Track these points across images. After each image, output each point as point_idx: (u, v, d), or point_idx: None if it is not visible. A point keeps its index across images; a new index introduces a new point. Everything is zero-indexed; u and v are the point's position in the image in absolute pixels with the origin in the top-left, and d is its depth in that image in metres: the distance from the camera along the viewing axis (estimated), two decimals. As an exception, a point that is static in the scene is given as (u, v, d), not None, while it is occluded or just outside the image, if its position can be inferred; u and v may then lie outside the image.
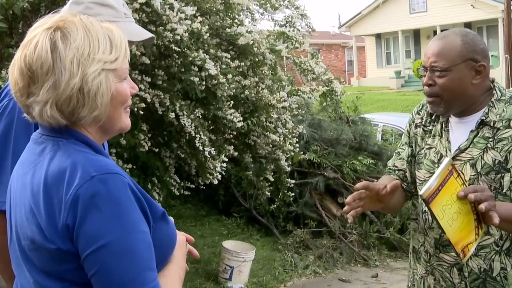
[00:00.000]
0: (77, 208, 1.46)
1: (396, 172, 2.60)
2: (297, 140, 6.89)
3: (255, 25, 6.29)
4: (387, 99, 24.63)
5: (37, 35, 1.55)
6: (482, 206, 2.02)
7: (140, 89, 4.77)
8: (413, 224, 2.59)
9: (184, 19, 4.58)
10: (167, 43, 4.71)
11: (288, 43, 6.34)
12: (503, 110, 2.31)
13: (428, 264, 2.48)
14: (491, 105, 2.34)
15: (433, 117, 2.51)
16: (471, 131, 2.34)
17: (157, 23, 4.59)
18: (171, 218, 1.74)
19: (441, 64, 2.30)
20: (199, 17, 4.80)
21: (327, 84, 7.03)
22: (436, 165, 2.40)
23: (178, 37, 4.57)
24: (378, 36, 37.42)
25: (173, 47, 4.71)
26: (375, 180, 7.79)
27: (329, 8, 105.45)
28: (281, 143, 6.43)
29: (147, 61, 4.78)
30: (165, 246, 1.68)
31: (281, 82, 6.51)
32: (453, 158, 2.31)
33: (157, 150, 5.65)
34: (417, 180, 2.52)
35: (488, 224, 2.13)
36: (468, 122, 2.37)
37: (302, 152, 7.48)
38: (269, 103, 5.83)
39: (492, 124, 2.30)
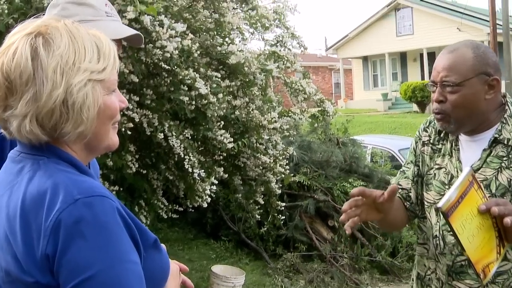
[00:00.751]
0: (58, 236, 1.30)
1: (400, 191, 2.44)
2: (287, 162, 6.78)
3: (245, 45, 6.19)
4: (374, 121, 24.62)
5: (16, 41, 1.39)
6: (508, 220, 1.87)
7: (128, 109, 4.62)
8: (420, 249, 2.42)
9: (174, 36, 4.44)
10: (156, 61, 4.57)
11: (279, 63, 6.22)
12: None
13: None
14: (504, 121, 2.20)
15: (442, 135, 2.35)
16: (484, 150, 2.19)
17: (146, 40, 4.45)
18: (163, 246, 1.57)
19: (453, 79, 2.15)
20: (190, 34, 4.67)
21: (318, 104, 6.91)
22: (446, 186, 2.25)
23: (168, 55, 4.43)
24: (365, 59, 37.57)
25: (163, 65, 4.56)
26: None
27: (316, 31, 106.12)
28: (272, 165, 6.30)
29: (135, 80, 4.62)
30: (158, 277, 1.52)
31: (271, 103, 6.40)
32: None
33: (144, 171, 5.49)
34: (426, 203, 2.36)
35: (511, 243, 1.98)
36: (480, 140, 2.22)
37: (292, 174, 7.36)
38: (260, 124, 5.69)
39: (506, 142, 2.16)
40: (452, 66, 2.17)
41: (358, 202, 2.09)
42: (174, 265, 1.67)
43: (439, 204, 1.85)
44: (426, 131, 2.44)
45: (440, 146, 2.35)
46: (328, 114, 7.08)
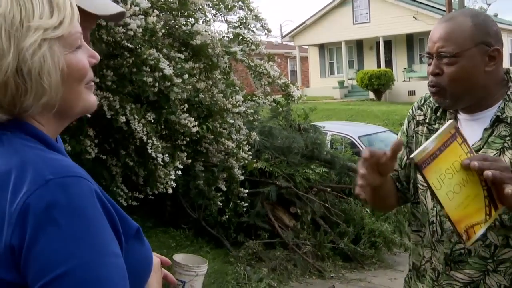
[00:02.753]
0: (26, 224, 1.08)
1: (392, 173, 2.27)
2: (249, 148, 6.64)
3: (208, 26, 5.99)
4: (331, 109, 24.64)
5: None
6: (489, 173, 1.71)
7: (87, 91, 4.41)
8: (414, 236, 2.26)
9: (138, 14, 4.23)
10: (118, 39, 4.35)
11: (243, 45, 6.05)
12: None
13: (436, 284, 2.13)
14: (508, 99, 2.04)
15: (439, 114, 2.19)
16: (485, 129, 2.03)
17: (108, 16, 4.24)
18: None
19: (450, 49, 1.98)
20: (155, 11, 4.46)
21: (283, 88, 6.76)
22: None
23: (131, 33, 4.22)
24: (321, 47, 37.65)
25: (125, 44, 4.34)
26: (329, 190, 7.63)
27: (271, 18, 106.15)
28: (235, 150, 6.15)
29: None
30: (140, 271, 1.31)
31: (234, 87, 6.23)
32: None
33: (104, 157, 5.27)
34: (420, 186, 2.19)
35: (506, 204, 1.80)
36: (481, 119, 2.06)
37: (254, 160, 7.22)
38: (225, 107, 5.53)
39: (509, 121, 2.00)
40: (449, 35, 2.01)
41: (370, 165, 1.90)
42: (156, 258, 1.49)
43: (412, 155, 1.70)
44: (421, 110, 2.27)
45: (437, 125, 2.18)
46: (293, 99, 6.94)
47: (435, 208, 2.12)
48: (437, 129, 2.14)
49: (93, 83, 1.32)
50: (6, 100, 1.17)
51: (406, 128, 2.31)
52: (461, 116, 2.13)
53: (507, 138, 2.00)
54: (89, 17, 1.69)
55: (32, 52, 1.15)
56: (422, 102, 2.30)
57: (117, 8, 1.88)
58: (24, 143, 1.19)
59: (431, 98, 2.22)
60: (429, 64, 2.07)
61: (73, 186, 1.12)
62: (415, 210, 2.26)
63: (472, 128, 2.07)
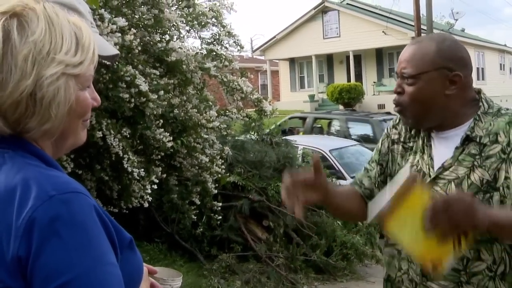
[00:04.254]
0: (32, 236, 1.17)
1: (362, 189, 2.40)
2: (222, 162, 6.72)
3: (182, 42, 6.08)
4: (302, 123, 24.70)
5: None
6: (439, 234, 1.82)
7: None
8: (389, 250, 2.32)
9: (115, 31, 4.31)
10: (95, 56, 4.42)
11: (216, 61, 6.15)
12: (490, 124, 2.10)
13: None
14: (477, 118, 2.13)
15: (413, 132, 2.29)
16: (456, 148, 2.12)
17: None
18: None
19: (410, 71, 2.11)
20: (132, 29, 4.54)
21: (256, 103, 6.87)
22: None
23: (109, 50, 4.30)
24: (292, 61, 37.83)
25: (102, 61, 4.41)
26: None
27: (241, 32, 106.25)
28: (208, 164, 6.22)
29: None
30: (133, 279, 1.41)
31: (208, 102, 6.32)
32: (436, 177, 2.12)
33: (80, 172, 5.31)
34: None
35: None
36: (452, 137, 2.15)
37: (228, 174, 7.30)
38: (199, 122, 5.61)
39: (478, 140, 2.09)
40: (411, 58, 2.13)
41: (292, 188, 2.03)
42: (144, 267, 1.58)
43: (368, 220, 1.84)
44: (396, 129, 2.36)
45: (411, 144, 2.28)
46: (265, 114, 7.05)
47: None
48: (411, 147, 2.26)
49: (88, 123, 1.43)
50: (13, 118, 1.25)
51: (379, 146, 2.41)
52: (434, 133, 2.22)
53: (477, 157, 2.07)
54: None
55: (50, 82, 1.25)
56: (397, 121, 2.38)
57: (114, 50, 2.01)
58: (25, 161, 1.28)
59: None
60: None
61: (74, 202, 1.22)
62: None
63: (443, 145, 2.16)
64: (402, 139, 2.32)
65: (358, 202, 2.38)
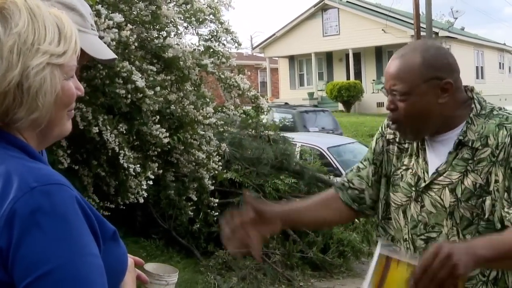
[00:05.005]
0: (13, 227, 1.18)
1: (349, 190, 2.35)
2: (219, 158, 6.73)
3: (180, 39, 6.09)
4: (301, 120, 24.74)
5: None
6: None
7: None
8: None
9: (111, 27, 4.32)
10: (92, 52, 4.43)
11: (214, 58, 6.16)
12: (482, 127, 2.08)
13: None
14: (470, 121, 2.10)
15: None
16: (450, 153, 2.10)
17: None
18: None
19: (400, 87, 2.06)
20: (129, 24, 4.55)
21: (253, 100, 6.88)
22: (413, 188, 2.16)
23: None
24: (291, 58, 37.82)
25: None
26: (298, 200, 7.71)
27: (241, 30, 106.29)
28: (205, 161, 6.24)
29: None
30: (116, 271, 1.42)
31: (205, 99, 6.33)
32: (431, 182, 2.10)
33: (76, 167, 5.32)
34: (393, 204, 2.25)
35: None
36: (445, 140, 2.13)
37: (224, 171, 7.31)
38: (195, 119, 5.62)
39: (470, 144, 2.07)
40: (399, 74, 2.08)
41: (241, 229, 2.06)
42: (130, 259, 1.59)
43: None
44: (391, 128, 2.31)
45: (407, 145, 2.26)
46: (262, 111, 7.06)
47: (407, 226, 2.18)
48: (407, 149, 2.24)
49: (73, 112, 1.44)
50: (1, 109, 1.27)
51: (374, 146, 2.37)
52: (427, 137, 2.19)
53: (470, 161, 2.06)
54: (86, 56, 1.87)
55: (36, 72, 1.27)
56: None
57: (111, 54, 2.04)
58: (8, 153, 1.30)
59: None
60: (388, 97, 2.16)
61: (56, 193, 1.23)
62: (385, 225, 2.31)
63: (438, 149, 2.15)
64: (397, 140, 2.30)
65: (333, 208, 2.37)
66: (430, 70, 2.06)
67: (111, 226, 1.41)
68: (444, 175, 2.10)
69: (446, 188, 2.08)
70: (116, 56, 2.15)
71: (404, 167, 2.24)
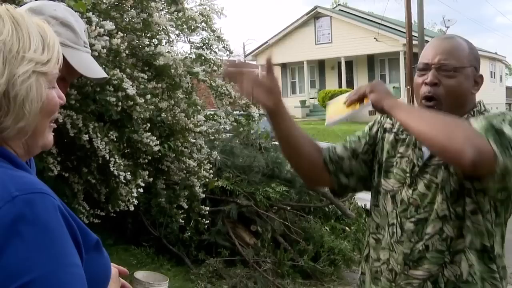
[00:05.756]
0: None
1: (330, 153, 2.38)
2: (211, 166, 6.72)
3: (171, 46, 6.09)
4: (293, 128, 24.70)
5: None
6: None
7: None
8: (371, 240, 2.33)
9: (102, 34, 4.31)
10: (82, 59, 4.41)
11: (205, 66, 6.15)
12: (476, 120, 2.11)
13: (394, 284, 2.19)
14: (472, 114, 2.18)
15: None
16: None
17: (72, 37, 4.29)
18: None
19: (453, 63, 2.12)
20: (119, 32, 4.54)
21: (244, 109, 6.88)
22: (408, 174, 2.20)
23: (96, 54, 4.29)
24: (283, 66, 37.90)
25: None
26: (289, 208, 7.72)
27: (234, 37, 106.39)
28: (196, 169, 6.22)
29: (60, 79, 4.45)
30: (99, 281, 1.42)
31: (196, 106, 6.32)
32: (425, 165, 2.15)
33: (67, 175, 5.30)
34: (382, 190, 2.28)
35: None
36: None
37: (216, 179, 7.30)
38: (186, 127, 5.61)
39: None
40: (451, 51, 2.14)
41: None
42: (114, 269, 1.60)
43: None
44: (391, 118, 2.36)
45: (404, 136, 2.29)
46: (253, 119, 7.06)
47: (395, 210, 2.21)
48: (404, 139, 2.28)
49: (54, 124, 1.45)
50: None
51: (370, 128, 2.43)
52: None
53: None
54: (75, 74, 1.96)
55: (22, 80, 1.27)
56: None
57: (102, 73, 2.10)
58: None
59: None
60: (421, 76, 2.19)
61: (38, 202, 1.22)
62: (374, 212, 2.34)
63: None
64: (394, 130, 2.33)
65: (313, 151, 2.38)
66: (473, 58, 2.17)
67: (94, 235, 1.40)
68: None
69: (442, 167, 2.11)
70: (107, 76, 2.16)
71: (399, 155, 2.27)
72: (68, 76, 1.94)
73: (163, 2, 5.85)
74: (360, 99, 2.18)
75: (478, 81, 2.18)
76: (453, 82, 2.12)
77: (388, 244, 2.22)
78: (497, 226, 2.13)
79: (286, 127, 2.27)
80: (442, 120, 1.96)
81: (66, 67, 1.93)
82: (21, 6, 2.03)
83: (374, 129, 2.40)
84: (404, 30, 26.12)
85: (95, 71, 2.11)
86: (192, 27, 6.26)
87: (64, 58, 1.94)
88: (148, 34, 5.40)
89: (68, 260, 1.22)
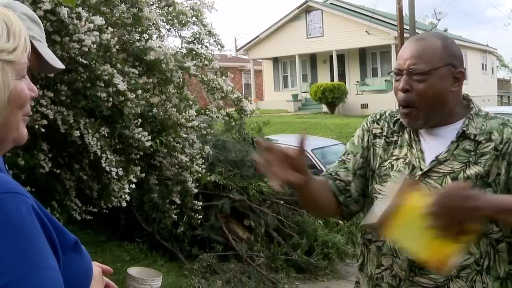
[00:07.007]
0: None
1: (336, 182, 2.31)
2: (203, 161, 6.70)
3: (162, 41, 6.05)
4: (285, 122, 24.78)
5: None
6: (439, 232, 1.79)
7: (41, 105, 4.42)
8: (372, 247, 2.28)
9: (92, 30, 4.27)
10: (72, 55, 4.38)
11: (196, 61, 6.12)
12: (483, 124, 2.13)
13: None
14: (471, 118, 2.15)
15: (396, 128, 2.27)
16: (452, 142, 2.13)
17: (62, 33, 4.25)
18: None
19: (422, 67, 2.08)
20: (109, 27, 4.51)
21: (236, 103, 6.85)
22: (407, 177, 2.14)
23: (86, 49, 4.25)
24: (275, 60, 37.84)
25: (80, 60, 4.38)
26: (282, 202, 7.71)
27: (225, 31, 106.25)
28: (188, 164, 6.20)
29: (51, 75, 4.41)
30: (80, 283, 1.36)
31: (188, 101, 6.30)
32: (430, 170, 2.11)
33: (58, 171, 5.27)
34: (380, 196, 2.22)
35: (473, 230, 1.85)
36: (442, 134, 2.16)
37: (208, 174, 7.28)
38: (178, 122, 5.58)
39: (473, 137, 2.11)
40: (421, 54, 2.11)
41: (268, 157, 1.94)
42: (97, 268, 1.54)
43: (364, 221, 1.85)
44: (378, 123, 2.33)
45: (395, 138, 2.26)
46: (245, 113, 7.03)
47: None
48: (395, 141, 2.25)
49: (27, 118, 1.37)
50: None
51: (360, 139, 2.36)
52: (423, 130, 2.21)
53: (472, 153, 2.09)
54: (37, 65, 2.02)
55: None
56: (378, 117, 2.36)
57: (60, 64, 2.19)
58: None
59: (387, 114, 2.33)
60: (397, 81, 2.16)
61: (10, 202, 1.16)
62: None
63: (436, 141, 2.17)
64: (384, 134, 2.30)
65: (329, 195, 2.31)
66: (449, 55, 2.13)
67: (72, 236, 1.35)
68: (445, 163, 2.11)
69: (448, 176, 2.08)
70: (64, 67, 2.23)
71: (394, 157, 2.24)
72: (35, 69, 2.06)
73: (153, -4, 5.83)
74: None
75: (458, 77, 2.15)
76: (424, 86, 2.10)
77: (390, 250, 2.18)
78: None
79: (312, 195, 2.20)
80: None
81: (38, 60, 2.01)
82: None
83: (365, 139, 2.35)
84: (395, 23, 26.15)
85: (57, 62, 2.19)
86: (183, 22, 6.23)
87: (37, 51, 1.99)
88: (139, 29, 5.36)
89: (43, 262, 1.17)
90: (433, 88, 2.10)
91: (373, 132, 2.34)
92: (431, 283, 2.10)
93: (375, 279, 2.25)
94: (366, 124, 2.38)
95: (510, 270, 2.11)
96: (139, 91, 4.77)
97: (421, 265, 2.07)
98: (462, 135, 2.13)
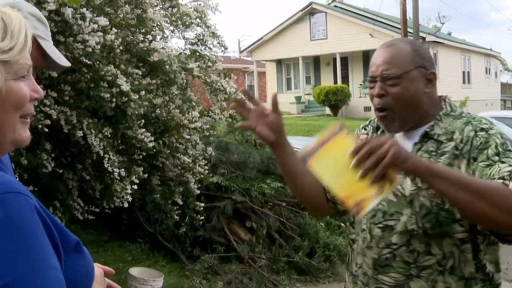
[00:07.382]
0: None
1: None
2: (205, 162, 6.72)
3: (166, 42, 6.07)
4: (288, 124, 24.71)
5: None
6: (362, 173, 1.84)
7: (44, 105, 4.43)
8: (354, 246, 2.37)
9: (96, 30, 4.29)
10: (76, 55, 4.40)
11: (200, 62, 6.14)
12: (449, 125, 2.17)
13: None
14: (439, 118, 2.20)
15: (379, 132, 2.34)
16: (415, 144, 2.18)
17: (66, 33, 4.27)
18: None
19: (394, 72, 2.14)
20: (113, 28, 4.52)
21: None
22: None
23: (90, 50, 4.27)
24: (279, 62, 37.84)
25: (84, 60, 4.40)
26: (284, 204, 7.70)
27: (229, 33, 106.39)
28: (191, 165, 6.22)
29: (54, 75, 4.43)
30: (81, 283, 1.36)
31: (191, 103, 6.31)
32: None
33: (60, 171, 5.28)
34: None
35: (394, 179, 1.87)
36: (413, 136, 2.22)
37: (211, 175, 7.29)
38: (181, 123, 5.60)
39: (436, 138, 2.15)
40: (392, 59, 2.16)
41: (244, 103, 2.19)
42: (98, 269, 1.54)
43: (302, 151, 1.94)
44: (365, 129, 2.43)
45: None
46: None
47: (365, 217, 2.22)
48: None
49: (29, 120, 1.35)
50: None
51: None
52: (398, 134, 2.26)
53: (433, 153, 2.13)
54: (43, 63, 2.02)
55: None
56: (367, 123, 2.46)
57: (66, 62, 2.18)
58: None
59: (375, 120, 2.37)
60: (372, 88, 2.21)
61: (13, 202, 1.15)
62: (355, 220, 2.36)
63: (405, 143, 2.19)
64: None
65: (319, 189, 2.34)
66: (419, 58, 2.18)
67: (74, 236, 1.35)
68: None
69: (407, 178, 2.11)
70: (70, 64, 2.25)
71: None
72: (41, 67, 2.10)
73: (157, -3, 5.84)
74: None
75: (431, 78, 2.20)
76: (398, 89, 2.14)
77: (361, 249, 2.27)
78: (491, 244, 2.14)
79: (289, 161, 2.29)
80: (483, 188, 1.89)
81: (44, 58, 2.04)
82: None
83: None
84: (399, 26, 26.12)
85: (65, 60, 2.21)
86: (187, 23, 6.24)
87: (43, 50, 2.01)
88: (143, 30, 5.38)
89: (45, 262, 1.17)
90: (407, 91, 2.15)
91: (360, 137, 2.38)
92: (392, 282, 2.16)
93: (354, 276, 2.34)
94: (357, 131, 2.48)
95: (476, 271, 2.13)
96: (143, 92, 4.79)
97: (384, 263, 2.15)
98: (426, 136, 2.18)
